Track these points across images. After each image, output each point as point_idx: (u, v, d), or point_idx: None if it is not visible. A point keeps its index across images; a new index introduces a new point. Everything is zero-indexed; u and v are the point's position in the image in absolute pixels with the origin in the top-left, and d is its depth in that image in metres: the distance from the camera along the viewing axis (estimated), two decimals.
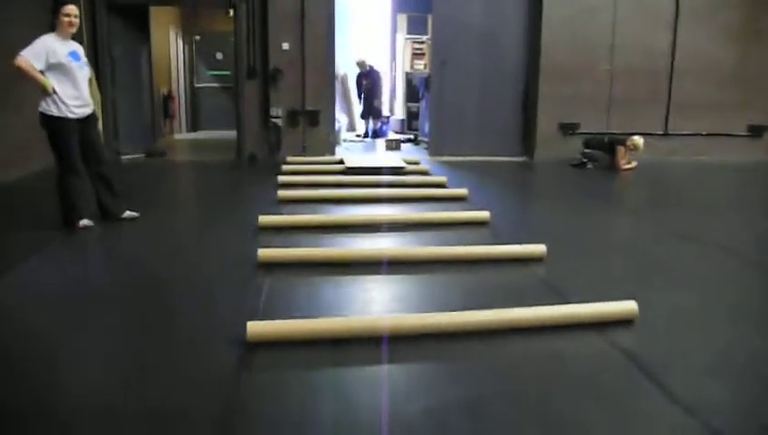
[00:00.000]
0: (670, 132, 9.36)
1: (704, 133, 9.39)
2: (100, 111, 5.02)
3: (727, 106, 9.34)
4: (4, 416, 2.03)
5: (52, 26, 4.55)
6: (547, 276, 3.65)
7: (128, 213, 4.98)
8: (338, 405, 2.12)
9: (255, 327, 2.58)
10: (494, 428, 2.00)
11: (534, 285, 3.50)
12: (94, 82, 4.94)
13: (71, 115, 4.55)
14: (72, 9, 4.56)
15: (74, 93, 4.56)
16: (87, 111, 4.69)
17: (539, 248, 3.95)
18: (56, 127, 4.54)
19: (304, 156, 8.70)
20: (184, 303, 3.22)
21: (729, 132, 9.46)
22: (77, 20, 4.63)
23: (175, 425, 1.98)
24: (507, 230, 4.57)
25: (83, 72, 4.68)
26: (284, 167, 7.45)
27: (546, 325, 2.78)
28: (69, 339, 2.70)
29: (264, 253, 3.75)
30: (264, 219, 4.70)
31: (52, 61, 4.44)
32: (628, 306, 2.90)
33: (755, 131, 9.52)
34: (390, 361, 2.45)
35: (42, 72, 4.42)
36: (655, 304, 3.10)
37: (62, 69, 4.49)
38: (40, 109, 4.53)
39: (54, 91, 4.46)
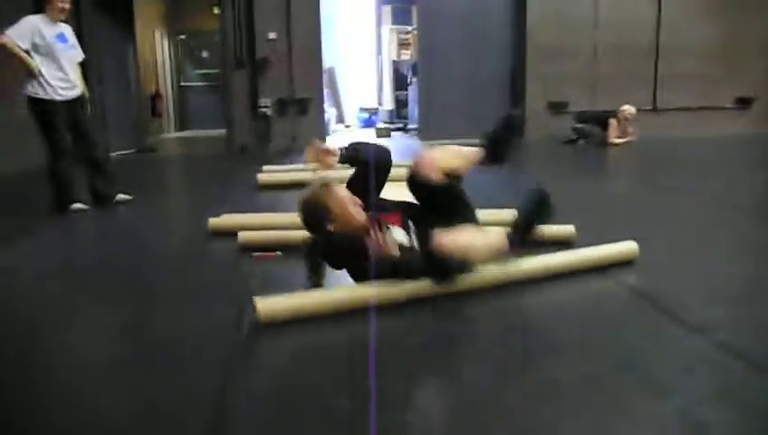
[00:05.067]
0: (659, 108, 9.41)
1: (693, 107, 9.45)
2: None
3: (714, 79, 9.41)
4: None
5: (39, 10, 4.51)
6: None
7: (121, 196, 4.94)
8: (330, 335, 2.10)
9: (264, 304, 2.25)
10: (490, 355, 1.99)
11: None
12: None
13: (57, 97, 4.50)
14: None
15: (60, 75, 4.52)
16: (74, 93, 4.64)
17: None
18: (43, 110, 4.49)
19: (294, 145, 8.70)
20: (174, 266, 3.19)
21: (718, 105, 9.52)
22: (69, 5, 4.61)
23: (180, 365, 1.96)
24: (498, 197, 4.54)
25: (70, 53, 4.63)
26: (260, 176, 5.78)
27: (547, 274, 2.73)
28: (60, 305, 2.67)
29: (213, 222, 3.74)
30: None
31: (38, 41, 4.40)
32: (629, 246, 2.90)
33: (743, 103, 9.59)
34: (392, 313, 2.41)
35: (27, 52, 4.38)
36: (653, 245, 3.09)
37: (47, 50, 4.45)
38: (26, 92, 4.49)
39: (40, 73, 4.42)
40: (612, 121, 8.05)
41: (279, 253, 3.18)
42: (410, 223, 2.54)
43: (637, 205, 4.59)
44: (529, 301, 2.53)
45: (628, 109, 8.15)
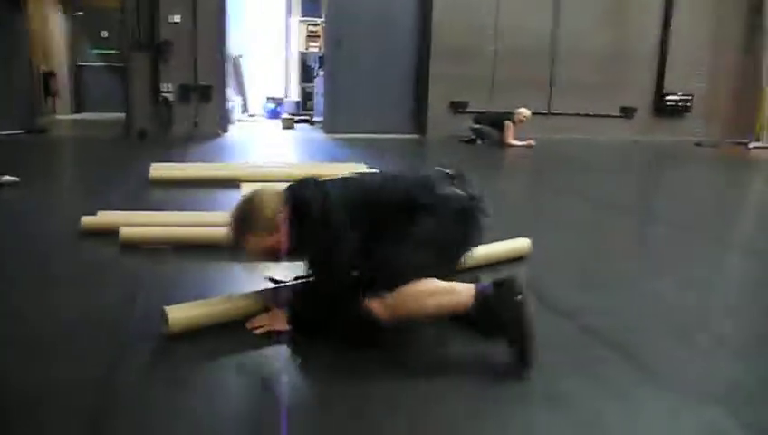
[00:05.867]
0: (553, 111, 9.93)
1: (582, 113, 10.03)
2: None
3: (603, 88, 10.05)
4: None
5: None
6: None
7: (5, 177, 4.68)
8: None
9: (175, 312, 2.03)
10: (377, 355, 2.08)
11: None
12: None
13: None
14: None
15: None
16: None
17: None
18: None
19: (196, 132, 8.54)
20: (55, 255, 3.11)
21: (605, 113, 10.16)
22: None
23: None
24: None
25: None
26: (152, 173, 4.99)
27: None
28: None
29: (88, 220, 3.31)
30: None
31: None
32: (522, 243, 3.06)
33: (627, 112, 10.29)
34: None
35: None
36: (541, 241, 3.27)
37: None
38: None
39: None
40: (507, 123, 8.42)
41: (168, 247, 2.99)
42: None
43: (529, 204, 4.90)
44: None
45: (523, 111, 8.56)
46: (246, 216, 2.04)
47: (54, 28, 11.79)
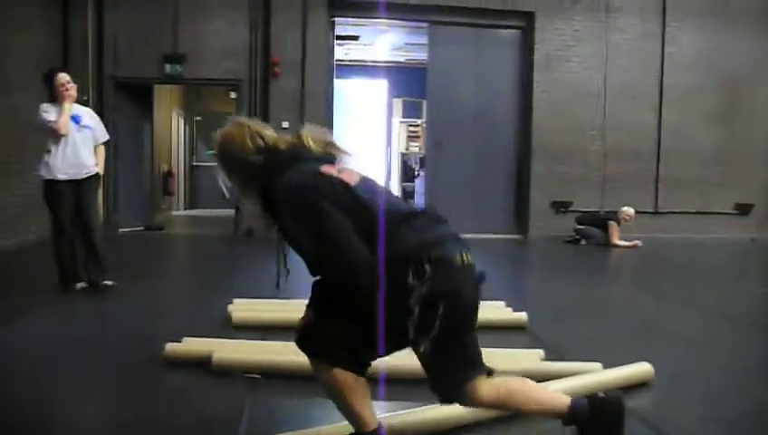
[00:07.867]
0: (660, 210, 9.56)
1: (692, 211, 9.59)
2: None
3: (713, 184, 9.60)
4: None
5: (50, 98, 4.65)
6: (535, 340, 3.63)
7: (106, 282, 4.80)
8: None
9: None
10: None
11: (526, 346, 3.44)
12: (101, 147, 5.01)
13: (61, 177, 4.60)
14: (63, 77, 4.64)
15: (69, 156, 4.60)
16: (81, 173, 4.69)
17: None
18: (46, 189, 4.64)
19: None
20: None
21: (716, 210, 9.66)
22: (72, 86, 4.66)
23: None
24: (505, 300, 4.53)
25: (82, 134, 4.72)
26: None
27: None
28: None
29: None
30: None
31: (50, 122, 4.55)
32: (644, 369, 2.83)
33: (742, 209, 9.73)
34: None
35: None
36: (656, 362, 3.05)
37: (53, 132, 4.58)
38: (35, 172, 4.67)
39: (48, 153, 4.57)
40: (612, 223, 8.16)
41: (258, 376, 2.78)
42: None
43: (640, 314, 4.54)
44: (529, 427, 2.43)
45: (627, 210, 8.30)
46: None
47: (176, 132, 12.81)
